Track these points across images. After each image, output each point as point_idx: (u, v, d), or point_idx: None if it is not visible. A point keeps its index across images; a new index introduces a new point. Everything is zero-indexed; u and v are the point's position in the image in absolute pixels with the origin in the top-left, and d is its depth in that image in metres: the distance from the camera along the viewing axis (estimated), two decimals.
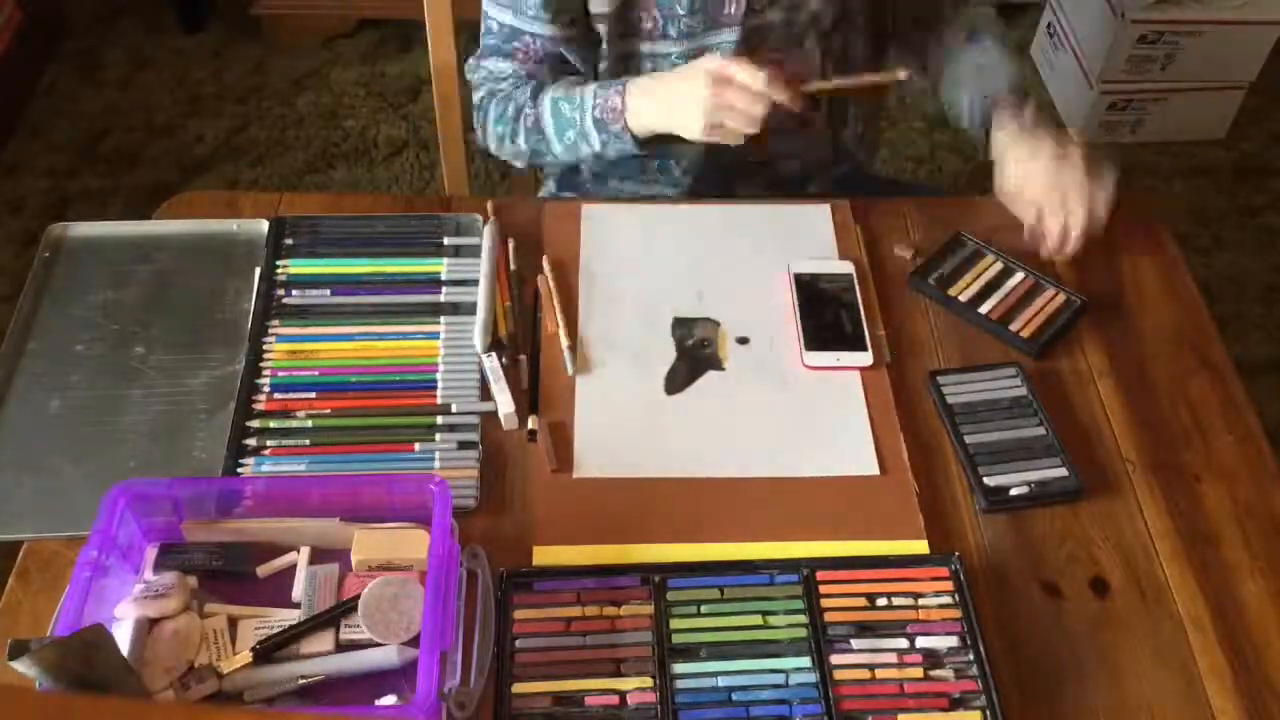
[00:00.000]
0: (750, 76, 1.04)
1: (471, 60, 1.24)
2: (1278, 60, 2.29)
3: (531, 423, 1.01)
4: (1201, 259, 2.16)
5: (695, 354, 1.07)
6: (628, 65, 1.18)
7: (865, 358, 1.07)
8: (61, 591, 0.81)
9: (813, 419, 1.03)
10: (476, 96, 1.24)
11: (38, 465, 0.97)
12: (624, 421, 1.01)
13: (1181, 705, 0.86)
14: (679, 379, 1.05)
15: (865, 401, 1.04)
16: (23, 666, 0.74)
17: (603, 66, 1.19)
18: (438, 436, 1.00)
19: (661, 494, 0.97)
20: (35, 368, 1.05)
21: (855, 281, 1.13)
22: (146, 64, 2.50)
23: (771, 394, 1.05)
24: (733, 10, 1.14)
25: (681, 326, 1.09)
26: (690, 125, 1.08)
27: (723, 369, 1.06)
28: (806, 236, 1.18)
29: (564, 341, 1.06)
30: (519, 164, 1.25)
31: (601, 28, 1.15)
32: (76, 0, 2.60)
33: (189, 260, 1.14)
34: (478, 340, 1.05)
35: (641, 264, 1.14)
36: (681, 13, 1.13)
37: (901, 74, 1.09)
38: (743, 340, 1.09)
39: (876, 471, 0.99)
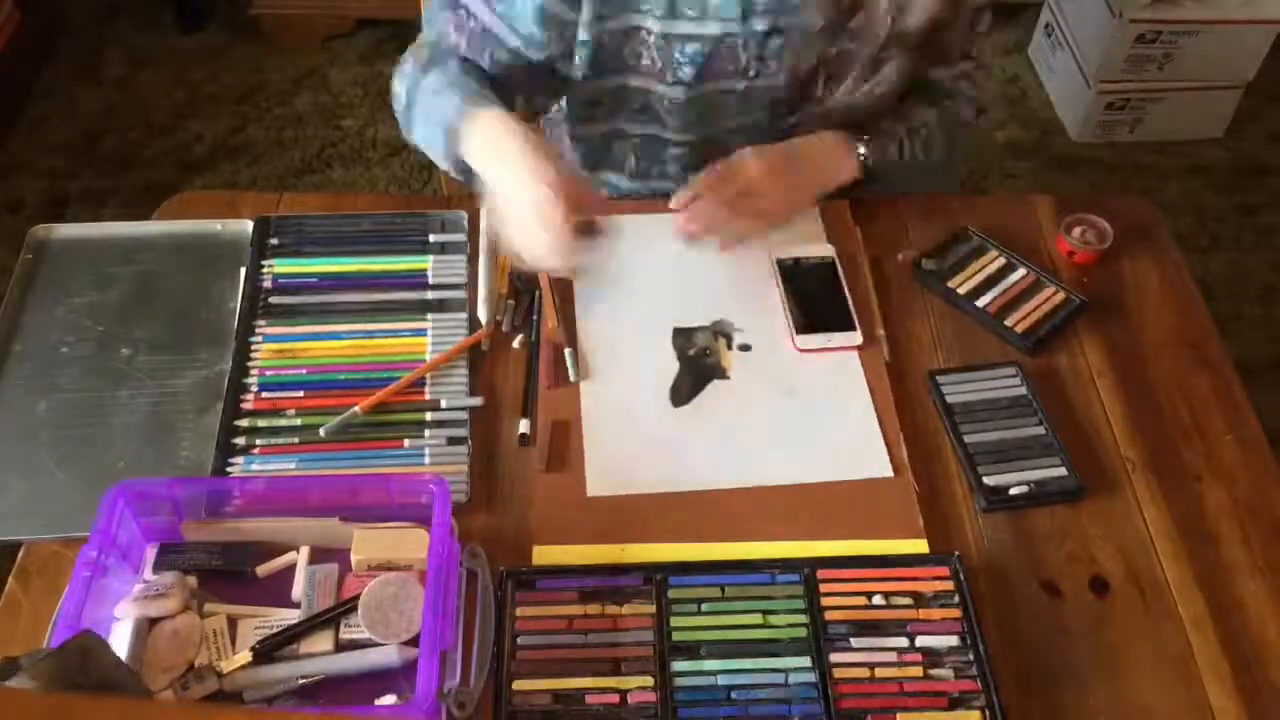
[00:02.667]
0: (551, 221, 0.92)
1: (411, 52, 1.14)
2: (1276, 60, 2.29)
3: (523, 426, 1.00)
4: (1199, 258, 2.16)
5: (698, 364, 1.06)
6: (616, 98, 1.13)
7: (855, 337, 1.08)
8: (61, 592, 0.81)
9: (822, 424, 1.02)
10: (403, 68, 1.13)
11: (26, 467, 0.97)
12: (634, 437, 1.00)
13: (1181, 704, 0.86)
14: (684, 390, 1.04)
15: (873, 403, 1.04)
16: (18, 684, 0.73)
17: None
18: (427, 433, 1.00)
19: (664, 498, 0.97)
20: (21, 370, 1.04)
21: (838, 263, 1.13)
22: (145, 64, 2.49)
23: (779, 400, 1.04)
24: (731, 68, 1.09)
25: (681, 336, 1.08)
26: (504, 202, 0.98)
27: (727, 377, 1.06)
28: (808, 236, 1.17)
29: (565, 347, 1.06)
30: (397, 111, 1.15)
31: (581, 54, 1.08)
32: (75, 0, 2.60)
33: (173, 261, 1.14)
34: (483, 312, 1.07)
35: (636, 274, 1.12)
36: (681, 60, 1.08)
37: None
38: (745, 348, 1.08)
39: (890, 474, 0.99)
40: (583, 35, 1.07)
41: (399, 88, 1.12)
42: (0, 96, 2.32)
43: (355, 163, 2.30)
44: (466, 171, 1.04)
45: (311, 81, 2.47)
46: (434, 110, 1.05)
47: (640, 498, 0.96)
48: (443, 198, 1.38)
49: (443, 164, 1.07)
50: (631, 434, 1.01)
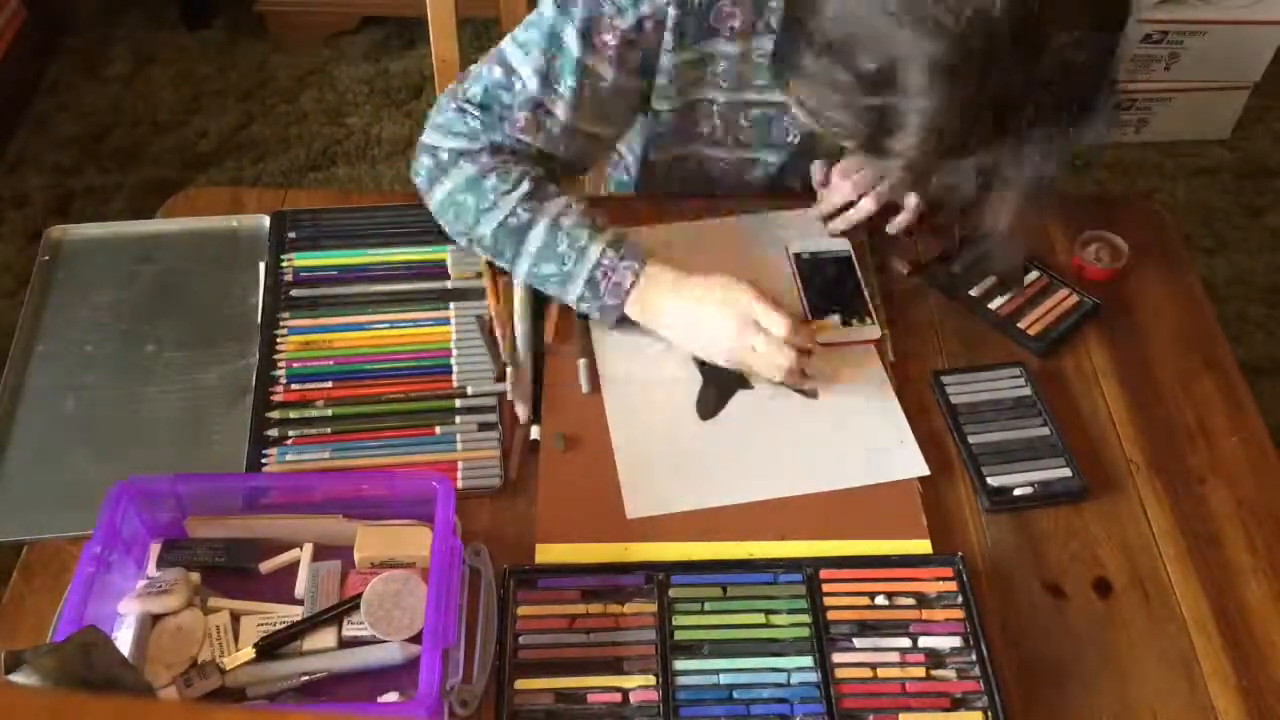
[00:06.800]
0: (778, 324, 0.97)
1: (455, 97, 1.05)
2: None
3: (535, 432, 1.00)
4: (1204, 259, 2.16)
5: (720, 375, 1.05)
6: (670, 165, 1.16)
7: (874, 330, 1.08)
8: (65, 588, 0.81)
9: (853, 426, 1.02)
10: (447, 142, 1.05)
11: (60, 465, 0.98)
12: (669, 457, 0.99)
13: (1184, 706, 0.86)
14: (711, 403, 1.03)
15: (900, 399, 1.03)
16: (21, 678, 0.73)
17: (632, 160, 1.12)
18: (458, 419, 1.01)
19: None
20: (47, 370, 1.05)
21: (854, 257, 1.13)
22: (150, 60, 2.50)
23: (806, 406, 1.03)
24: (787, 139, 1.12)
25: None
26: (716, 357, 1.02)
27: (751, 387, 1.05)
28: (812, 233, 1.17)
29: (581, 362, 1.05)
30: (452, 235, 1.08)
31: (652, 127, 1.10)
32: None
33: (191, 258, 1.14)
34: (520, 411, 1.01)
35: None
36: (745, 124, 1.11)
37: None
38: None
39: (926, 471, 0.98)
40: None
41: (482, 229, 1.03)
42: (6, 93, 2.32)
43: (360, 160, 2.31)
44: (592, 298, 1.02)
45: (316, 79, 2.47)
46: (563, 252, 1.01)
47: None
48: None
49: (569, 299, 1.04)
50: (666, 453, 0.99)
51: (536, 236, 1.02)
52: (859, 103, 0.80)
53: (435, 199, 1.07)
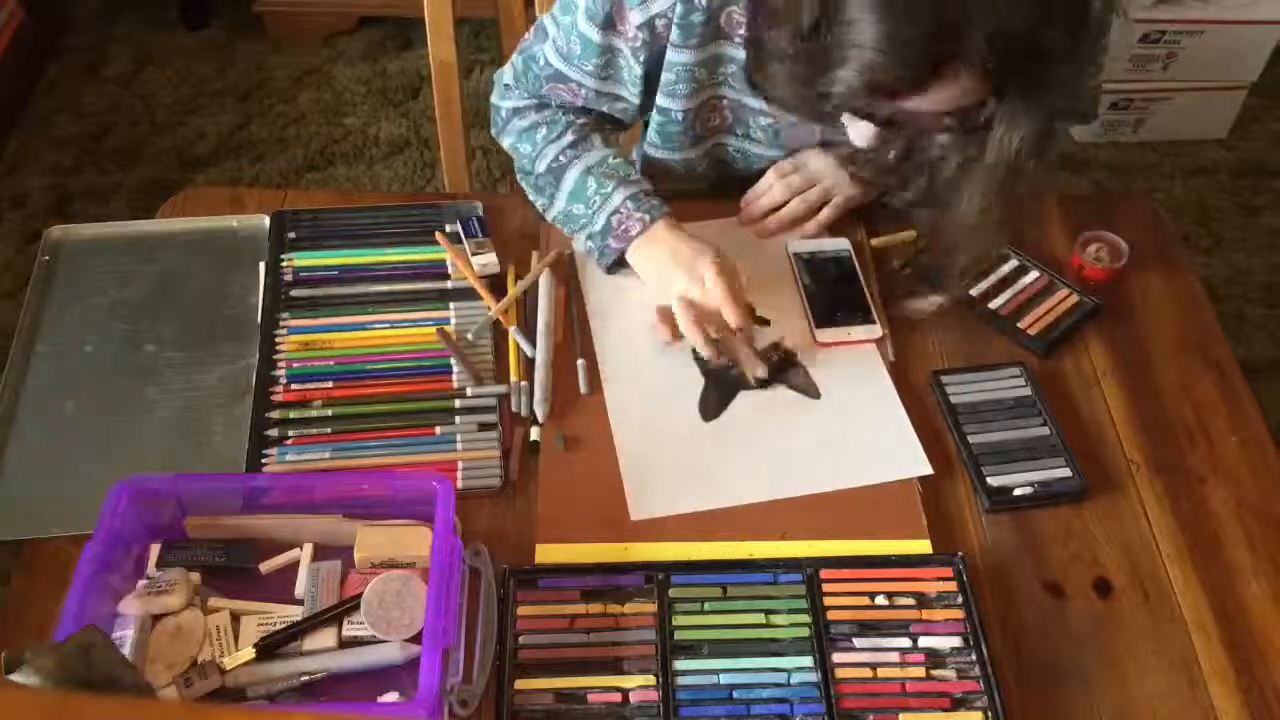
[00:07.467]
0: (712, 284, 1.02)
1: (509, 79, 1.15)
2: (1279, 60, 2.29)
3: (535, 433, 1.01)
4: (1202, 259, 2.16)
5: (723, 376, 1.05)
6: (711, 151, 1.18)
7: (875, 330, 1.08)
8: (66, 588, 0.81)
9: (855, 427, 1.02)
10: (505, 102, 1.16)
11: (60, 465, 0.98)
12: (672, 458, 0.99)
13: (1184, 706, 0.86)
14: (712, 404, 1.03)
15: (900, 399, 1.03)
16: (21, 678, 0.73)
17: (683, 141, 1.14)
18: (457, 419, 1.01)
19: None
20: (46, 370, 1.05)
21: (854, 257, 1.13)
22: (149, 61, 2.50)
23: (809, 407, 1.04)
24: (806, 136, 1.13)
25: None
26: (661, 297, 1.07)
27: (753, 387, 1.05)
28: (812, 234, 1.17)
29: (580, 362, 1.05)
30: (519, 181, 1.19)
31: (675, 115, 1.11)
32: None
33: (190, 258, 1.14)
34: (539, 409, 1.02)
35: (645, 292, 1.11)
36: (754, 127, 1.13)
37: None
38: (764, 321, 1.07)
39: (929, 471, 0.98)
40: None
41: (533, 171, 1.14)
42: (5, 94, 2.32)
43: (358, 160, 2.30)
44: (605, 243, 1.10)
45: (314, 79, 2.47)
46: (591, 197, 1.10)
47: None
48: (447, 196, 1.38)
49: (583, 237, 1.12)
50: (669, 454, 0.99)
51: (571, 179, 1.11)
52: (801, 68, 0.84)
53: (505, 148, 1.19)
